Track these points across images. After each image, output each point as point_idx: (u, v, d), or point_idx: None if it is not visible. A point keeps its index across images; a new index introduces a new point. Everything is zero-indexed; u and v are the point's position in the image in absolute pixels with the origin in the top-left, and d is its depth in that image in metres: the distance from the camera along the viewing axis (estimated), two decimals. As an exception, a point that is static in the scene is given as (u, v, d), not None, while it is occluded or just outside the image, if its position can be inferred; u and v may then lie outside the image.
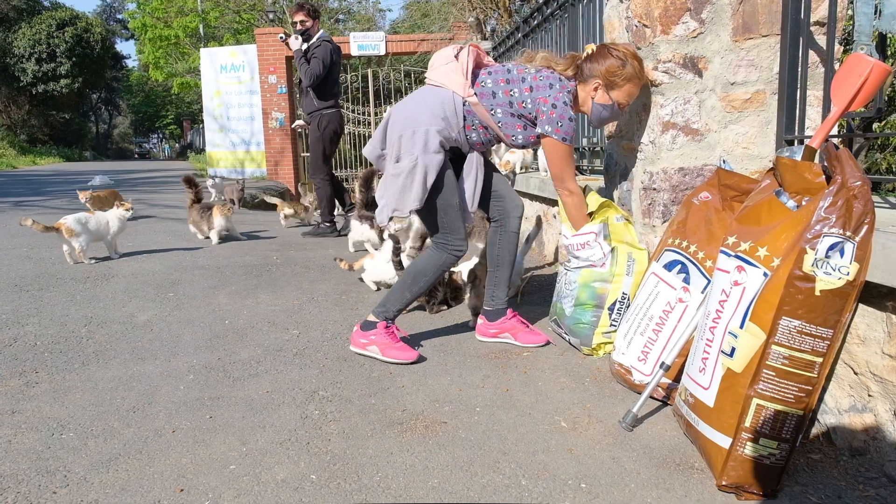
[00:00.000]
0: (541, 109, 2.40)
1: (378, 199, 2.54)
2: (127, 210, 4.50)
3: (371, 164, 3.72)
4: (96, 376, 2.36)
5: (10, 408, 2.08)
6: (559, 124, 2.39)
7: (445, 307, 3.26)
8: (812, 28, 2.29)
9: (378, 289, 3.64)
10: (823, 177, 1.57)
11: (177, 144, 42.96)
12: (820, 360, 1.51)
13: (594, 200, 2.55)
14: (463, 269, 3.23)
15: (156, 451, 1.80)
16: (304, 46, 5.50)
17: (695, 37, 2.40)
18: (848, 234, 1.48)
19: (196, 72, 15.93)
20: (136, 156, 47.00)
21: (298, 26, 5.54)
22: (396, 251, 3.25)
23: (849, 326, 1.65)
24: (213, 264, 4.34)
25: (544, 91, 2.40)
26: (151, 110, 42.92)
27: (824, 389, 1.77)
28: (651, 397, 2.05)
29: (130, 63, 42.62)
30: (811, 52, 2.31)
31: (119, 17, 41.15)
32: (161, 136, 50.19)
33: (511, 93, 2.42)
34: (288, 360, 2.52)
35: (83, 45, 29.23)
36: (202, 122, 15.88)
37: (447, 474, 1.67)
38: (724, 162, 2.11)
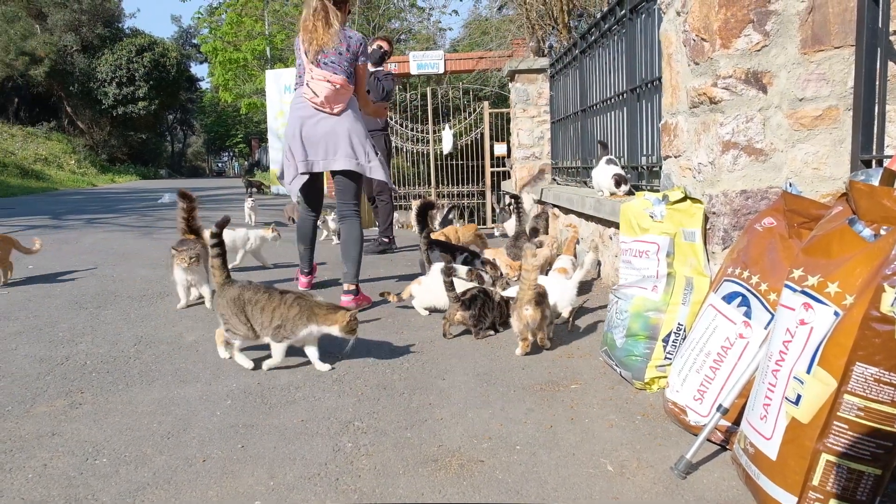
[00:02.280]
0: (357, 51, 3.64)
1: (376, 171, 3.69)
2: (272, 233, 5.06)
3: (419, 196, 4.60)
4: (137, 399, 2.36)
5: (51, 430, 2.10)
6: (365, 52, 3.70)
7: (492, 333, 3.15)
8: (892, 38, 2.09)
9: (429, 313, 3.55)
10: (905, 204, 1.39)
11: (245, 162, 44.44)
12: (902, 412, 1.32)
13: (676, 194, 2.41)
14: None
15: (184, 481, 1.76)
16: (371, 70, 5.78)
17: (758, 50, 2.24)
18: (934, 269, 1.30)
19: (262, 93, 16.44)
20: (213, 174, 49.20)
21: (377, 48, 5.87)
22: (449, 272, 3.13)
23: (936, 373, 1.46)
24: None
25: (347, 40, 3.59)
26: (222, 130, 44.59)
27: (908, 442, 1.57)
28: (708, 440, 1.88)
29: (204, 85, 44.47)
30: (890, 64, 2.10)
31: (194, 41, 43.06)
32: (231, 154, 52.06)
33: (342, 64, 3.59)
34: (326, 387, 2.46)
35: (160, 69, 30.71)
36: (268, 140, 16.34)
37: (479, 521, 1.56)
38: (790, 185, 1.93)
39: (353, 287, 3.69)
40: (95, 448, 1.96)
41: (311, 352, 2.68)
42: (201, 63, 41.08)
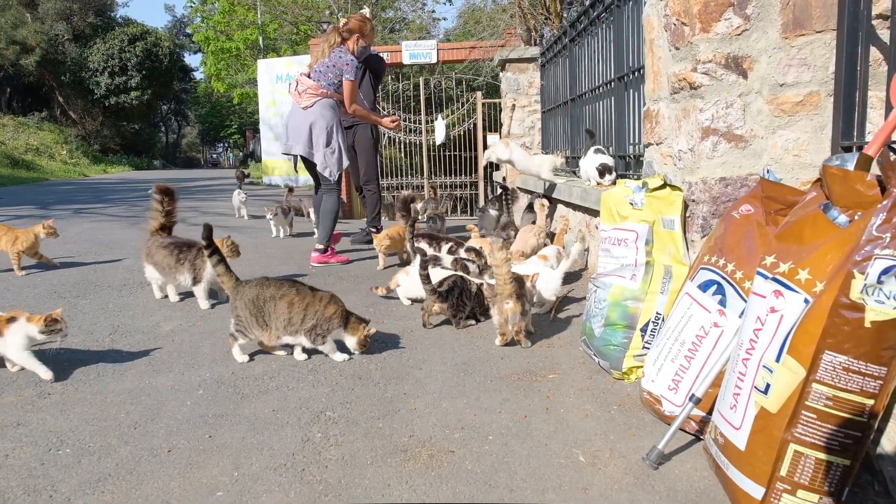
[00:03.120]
0: (343, 69, 4.53)
1: (323, 168, 4.62)
2: None
3: (405, 188, 5.49)
4: (108, 388, 2.32)
5: (16, 420, 2.06)
6: (348, 70, 4.54)
7: (473, 322, 3.12)
8: (874, 22, 2.05)
9: (412, 303, 3.52)
10: (878, 189, 1.36)
11: (240, 153, 44.17)
12: (871, 402, 1.30)
13: (655, 181, 2.37)
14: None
15: (146, 472, 1.73)
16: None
17: (739, 34, 2.19)
18: (905, 255, 1.26)
19: (255, 82, 16.29)
20: (208, 164, 48.89)
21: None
22: (424, 265, 3.11)
23: (909, 362, 1.43)
24: (247, 273, 4.31)
25: (337, 58, 4.54)
26: (217, 120, 44.22)
27: (881, 431, 1.54)
28: (682, 430, 1.86)
29: (198, 75, 44.08)
30: (872, 49, 2.06)
31: (187, 31, 42.71)
32: (226, 145, 51.73)
33: (328, 74, 4.54)
34: (301, 377, 2.43)
35: (152, 58, 30.37)
36: (260, 131, 16.20)
37: (445, 512, 1.53)
38: (767, 171, 1.89)
39: (321, 247, 4.68)
40: (60, 438, 1.93)
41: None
42: (195, 53, 40.63)
